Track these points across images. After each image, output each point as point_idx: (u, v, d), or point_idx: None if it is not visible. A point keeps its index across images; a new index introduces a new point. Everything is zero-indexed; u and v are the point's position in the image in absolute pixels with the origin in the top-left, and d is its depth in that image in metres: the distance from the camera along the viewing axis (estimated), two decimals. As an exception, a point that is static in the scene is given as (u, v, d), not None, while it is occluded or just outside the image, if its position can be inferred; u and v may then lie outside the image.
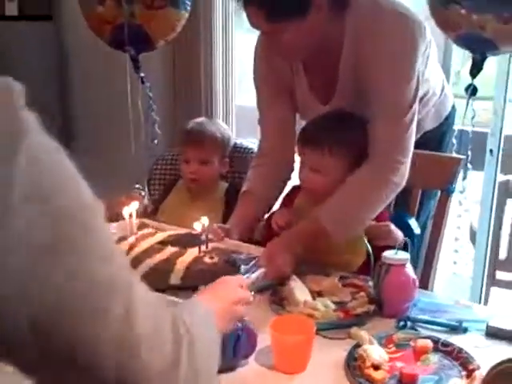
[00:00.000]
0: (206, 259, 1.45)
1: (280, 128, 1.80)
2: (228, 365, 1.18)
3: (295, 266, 1.52)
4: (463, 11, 1.75)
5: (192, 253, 1.47)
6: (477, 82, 1.97)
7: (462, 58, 1.96)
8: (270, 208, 1.86)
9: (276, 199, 1.86)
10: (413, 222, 1.78)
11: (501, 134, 2.58)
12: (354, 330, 1.29)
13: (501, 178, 2.68)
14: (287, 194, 1.83)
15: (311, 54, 1.64)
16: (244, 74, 3.05)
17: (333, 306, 1.40)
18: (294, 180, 1.79)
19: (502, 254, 2.76)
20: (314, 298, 1.43)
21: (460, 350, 1.23)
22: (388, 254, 1.41)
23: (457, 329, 1.34)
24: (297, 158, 1.78)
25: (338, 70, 1.66)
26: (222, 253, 1.48)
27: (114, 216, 1.81)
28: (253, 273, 1.49)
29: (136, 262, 1.44)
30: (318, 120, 1.69)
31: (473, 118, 1.95)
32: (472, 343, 1.29)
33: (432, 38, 1.72)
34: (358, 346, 1.23)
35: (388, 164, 1.59)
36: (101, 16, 2.44)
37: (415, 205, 1.85)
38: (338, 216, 1.58)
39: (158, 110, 2.77)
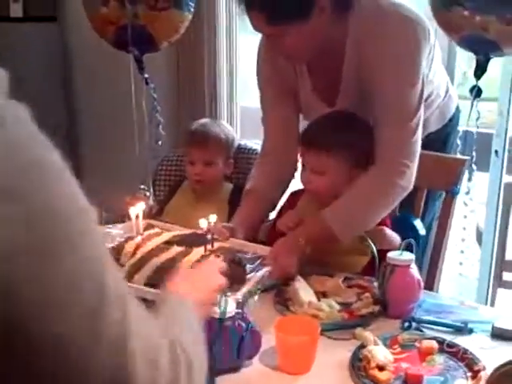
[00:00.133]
0: (212, 258, 1.44)
1: (283, 128, 1.80)
2: (232, 365, 1.18)
3: (300, 266, 1.52)
4: (466, 13, 1.74)
5: (198, 252, 1.47)
6: (482, 83, 1.96)
7: (468, 60, 1.95)
8: (274, 207, 1.85)
9: (279, 198, 1.86)
10: (418, 223, 1.77)
11: (506, 134, 2.58)
12: (358, 330, 1.29)
13: (506, 178, 2.67)
14: (291, 195, 1.83)
15: (315, 56, 1.64)
16: (249, 75, 3.05)
17: (337, 307, 1.40)
18: (298, 181, 1.79)
19: (509, 255, 2.75)
20: (318, 299, 1.42)
21: (465, 351, 1.23)
22: (393, 254, 1.41)
23: (462, 330, 1.33)
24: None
25: (341, 71, 1.66)
26: (227, 252, 1.48)
27: (121, 217, 1.81)
28: (258, 272, 1.49)
29: (142, 262, 1.44)
30: (318, 121, 1.69)
31: (477, 119, 1.94)
32: (477, 344, 1.28)
33: (436, 39, 1.72)
34: (362, 346, 1.23)
35: (394, 168, 1.59)
36: (104, 17, 2.44)
37: (420, 206, 1.84)
38: (345, 218, 1.58)
39: (162, 111, 2.77)
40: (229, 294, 1.19)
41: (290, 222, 1.65)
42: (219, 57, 2.96)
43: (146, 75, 2.61)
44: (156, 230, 1.65)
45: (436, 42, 1.73)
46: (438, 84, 1.84)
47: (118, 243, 1.57)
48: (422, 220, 1.84)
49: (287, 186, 1.87)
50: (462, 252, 2.35)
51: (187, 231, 1.64)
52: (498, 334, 1.32)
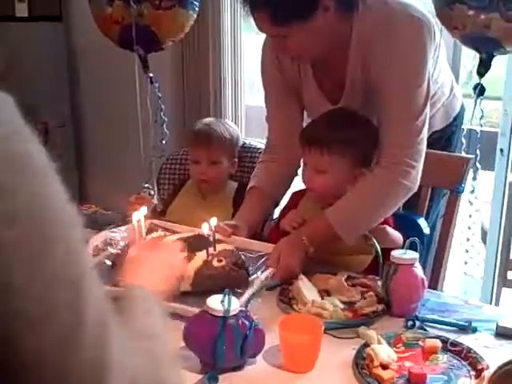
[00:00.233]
0: (215, 263, 1.45)
1: (287, 126, 1.80)
2: (236, 363, 1.18)
3: (303, 266, 1.52)
4: (468, 10, 1.74)
5: (200, 257, 1.47)
6: (487, 82, 1.96)
7: (473, 58, 1.95)
8: (277, 205, 1.85)
9: (282, 196, 1.86)
10: (422, 222, 1.77)
11: (511, 133, 2.57)
12: (362, 329, 1.29)
13: (511, 177, 2.66)
14: (294, 195, 1.83)
15: (320, 55, 1.64)
16: (253, 74, 3.06)
17: (341, 306, 1.40)
18: (300, 180, 1.79)
19: (514, 255, 2.74)
20: (321, 298, 1.43)
21: (469, 350, 1.22)
22: (396, 253, 1.40)
23: (466, 329, 1.33)
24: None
25: (346, 70, 1.66)
26: (230, 255, 1.48)
27: (126, 215, 1.82)
28: (262, 272, 1.49)
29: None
30: (318, 120, 1.69)
31: (481, 117, 1.94)
32: (481, 343, 1.28)
33: (441, 37, 1.72)
34: (366, 345, 1.23)
35: (399, 168, 1.59)
36: (109, 16, 2.45)
37: (424, 204, 1.84)
38: (348, 219, 1.58)
39: (167, 110, 2.78)
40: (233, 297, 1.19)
41: (293, 222, 1.65)
42: (224, 56, 2.97)
43: (151, 74, 2.61)
44: (159, 233, 1.65)
45: (441, 41, 1.73)
46: (442, 82, 1.84)
47: (121, 249, 1.57)
48: (427, 218, 1.83)
49: (290, 185, 1.87)
50: (467, 251, 2.34)
51: (190, 233, 1.64)
52: (503, 333, 1.31)
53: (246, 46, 3.01)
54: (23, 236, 0.53)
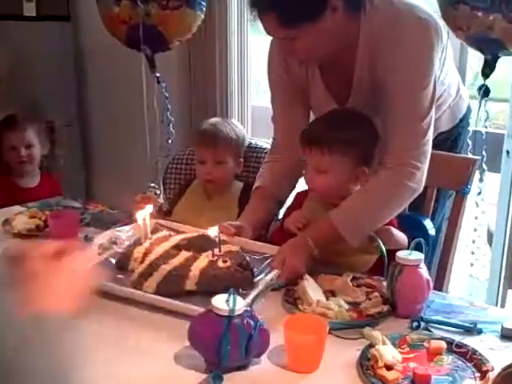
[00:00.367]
0: (220, 263, 1.45)
1: (292, 127, 1.80)
2: (240, 363, 1.18)
3: (308, 267, 1.53)
4: (471, 11, 1.74)
5: (206, 257, 1.48)
6: (494, 83, 1.95)
7: (479, 59, 1.95)
8: (282, 205, 1.86)
9: (287, 197, 1.87)
10: (427, 223, 1.77)
11: (518, 135, 2.56)
12: (367, 330, 1.29)
13: (517, 179, 2.65)
14: (298, 195, 1.83)
15: (328, 57, 1.64)
16: (260, 75, 3.06)
17: (346, 306, 1.40)
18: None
19: (520, 257, 2.73)
20: (326, 298, 1.43)
21: (474, 352, 1.22)
22: (402, 254, 1.41)
23: (471, 330, 1.33)
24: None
25: (353, 70, 1.66)
26: (235, 256, 1.48)
27: (131, 214, 1.82)
28: (267, 274, 1.49)
29: (152, 269, 1.45)
30: (319, 120, 1.70)
31: (486, 119, 1.93)
32: (486, 345, 1.28)
33: (448, 38, 1.72)
34: (371, 346, 1.23)
35: (404, 169, 1.59)
36: (116, 16, 2.46)
37: (430, 205, 1.84)
38: (353, 221, 1.58)
39: (173, 110, 2.78)
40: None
41: (298, 223, 1.65)
42: (230, 56, 2.97)
43: (158, 74, 2.62)
44: (164, 232, 1.66)
45: (448, 42, 1.72)
46: (449, 84, 1.84)
47: (126, 248, 1.58)
48: (432, 220, 1.83)
49: (295, 185, 1.88)
50: (473, 253, 2.34)
51: (195, 233, 1.64)
52: (508, 335, 1.31)
53: (252, 46, 3.01)
54: None
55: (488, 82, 1.95)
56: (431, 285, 1.42)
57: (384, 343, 1.23)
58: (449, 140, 1.92)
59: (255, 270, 1.50)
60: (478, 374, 1.17)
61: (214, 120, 2.20)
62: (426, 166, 1.61)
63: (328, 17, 1.52)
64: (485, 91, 1.92)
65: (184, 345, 1.22)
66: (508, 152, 2.57)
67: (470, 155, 1.95)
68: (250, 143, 2.23)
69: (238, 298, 1.18)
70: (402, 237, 1.62)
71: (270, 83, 1.87)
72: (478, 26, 1.75)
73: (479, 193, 2.06)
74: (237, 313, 1.16)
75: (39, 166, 2.81)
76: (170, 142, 2.72)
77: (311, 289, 1.43)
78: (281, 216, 1.89)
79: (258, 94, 3.27)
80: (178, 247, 1.54)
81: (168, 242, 1.57)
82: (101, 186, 3.75)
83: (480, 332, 1.33)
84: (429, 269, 1.47)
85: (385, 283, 1.46)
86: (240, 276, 1.44)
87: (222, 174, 2.07)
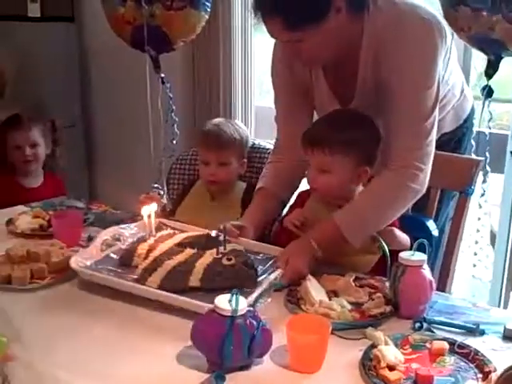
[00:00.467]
0: (224, 261, 1.45)
1: (295, 128, 1.80)
2: (243, 363, 1.19)
3: (311, 268, 1.53)
4: (471, 12, 1.74)
5: (210, 254, 1.48)
6: (498, 84, 1.95)
7: (483, 60, 1.94)
8: (285, 206, 1.86)
9: (290, 196, 1.87)
10: (430, 224, 1.77)
11: (521, 136, 2.55)
12: (369, 330, 1.29)
13: (521, 180, 2.65)
14: (300, 194, 1.83)
15: (332, 58, 1.64)
16: (263, 75, 3.06)
17: (349, 307, 1.40)
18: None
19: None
20: (329, 298, 1.43)
21: (476, 353, 1.22)
22: (405, 254, 1.41)
23: (473, 331, 1.33)
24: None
25: (357, 71, 1.66)
26: (239, 254, 1.49)
27: (135, 214, 1.83)
28: (270, 273, 1.50)
29: (156, 264, 1.45)
30: (321, 120, 1.71)
31: (490, 119, 1.93)
32: (489, 346, 1.28)
33: (453, 39, 1.72)
34: (373, 346, 1.23)
35: (408, 171, 1.59)
36: (121, 16, 2.47)
37: (433, 206, 1.84)
38: (356, 223, 1.59)
39: (177, 110, 2.79)
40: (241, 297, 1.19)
41: (296, 221, 1.66)
42: (234, 56, 2.98)
43: (162, 74, 2.63)
44: (168, 230, 1.66)
45: (453, 42, 1.72)
46: (453, 84, 1.84)
47: (130, 245, 1.59)
48: (436, 220, 1.83)
49: (298, 185, 1.88)
50: (476, 254, 2.34)
51: (199, 232, 1.65)
52: (510, 336, 1.31)
53: (256, 46, 3.01)
54: None
55: (492, 83, 1.95)
56: (434, 285, 1.42)
57: (386, 344, 1.23)
58: (452, 141, 1.92)
59: (259, 269, 1.51)
60: (480, 375, 1.17)
61: (217, 120, 2.20)
62: (429, 168, 1.61)
63: (332, 18, 1.52)
64: (488, 92, 1.91)
65: (186, 344, 1.22)
66: (512, 153, 2.57)
67: (473, 156, 1.94)
68: (254, 144, 2.23)
69: (241, 298, 1.18)
70: (404, 238, 1.62)
71: (274, 84, 1.87)
72: (479, 27, 1.75)
73: (482, 194, 2.05)
74: (240, 313, 1.16)
75: (42, 166, 2.82)
76: (174, 142, 2.72)
77: (314, 289, 1.43)
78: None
79: (261, 94, 3.28)
80: (182, 245, 1.55)
81: (172, 240, 1.58)
82: (104, 186, 3.77)
83: (482, 333, 1.33)
84: (432, 269, 1.47)
85: (387, 284, 1.46)
86: (244, 274, 1.44)
87: (226, 175, 2.07)
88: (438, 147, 1.66)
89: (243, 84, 3.04)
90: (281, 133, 1.89)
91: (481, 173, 1.91)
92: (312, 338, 1.20)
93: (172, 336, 1.28)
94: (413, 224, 1.69)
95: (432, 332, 1.32)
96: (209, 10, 2.51)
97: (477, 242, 2.43)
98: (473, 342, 1.28)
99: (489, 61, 1.88)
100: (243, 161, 2.13)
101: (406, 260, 1.39)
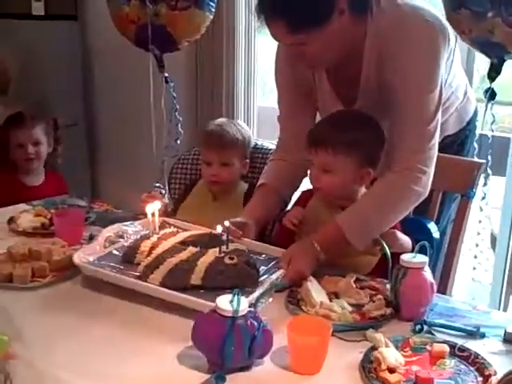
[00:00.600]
0: (226, 260, 1.46)
1: (298, 128, 1.81)
2: (243, 364, 1.19)
3: (313, 270, 1.53)
4: (471, 15, 1.74)
5: (213, 253, 1.48)
6: (500, 87, 1.95)
7: (486, 62, 1.94)
8: (285, 203, 1.86)
9: (290, 194, 1.87)
10: (432, 226, 1.77)
11: (524, 139, 2.55)
12: (369, 332, 1.29)
13: (523, 183, 2.65)
14: (303, 193, 1.84)
15: (336, 59, 1.64)
16: (267, 76, 3.06)
17: (349, 308, 1.40)
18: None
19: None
20: (330, 300, 1.43)
21: (477, 356, 1.22)
22: (406, 257, 1.41)
23: (474, 334, 1.33)
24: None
25: (360, 72, 1.66)
26: (242, 254, 1.49)
27: (137, 214, 1.83)
28: (272, 274, 1.50)
29: (158, 262, 1.46)
30: (325, 121, 1.72)
31: (492, 122, 1.93)
32: (489, 349, 1.28)
33: (456, 42, 1.72)
34: (373, 348, 1.23)
35: (412, 174, 1.59)
36: (126, 15, 2.47)
37: (435, 208, 1.84)
38: (359, 225, 1.59)
39: (180, 110, 2.79)
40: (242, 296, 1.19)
41: (294, 219, 1.66)
42: (237, 57, 2.98)
43: (166, 74, 2.63)
44: (172, 229, 1.67)
45: (456, 45, 1.72)
46: (456, 86, 1.84)
47: (133, 242, 1.59)
48: (437, 223, 1.83)
49: (299, 185, 1.88)
50: (476, 257, 2.34)
51: (202, 231, 1.65)
52: (511, 339, 1.31)
53: (259, 47, 3.01)
54: None
55: (494, 85, 1.95)
56: (435, 288, 1.42)
57: (387, 346, 1.23)
58: (455, 143, 1.92)
59: (261, 269, 1.51)
60: (480, 379, 1.17)
61: (219, 121, 2.20)
62: (432, 170, 1.62)
63: (335, 20, 1.52)
64: (491, 94, 1.91)
65: (187, 345, 1.22)
66: (514, 156, 2.57)
67: (475, 159, 1.94)
68: (256, 144, 2.23)
69: (242, 299, 1.18)
70: (406, 240, 1.63)
71: (277, 84, 1.87)
72: (479, 30, 1.75)
73: (483, 197, 2.05)
74: (240, 313, 1.16)
75: (43, 164, 2.82)
76: (178, 142, 2.72)
77: (315, 290, 1.43)
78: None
79: (264, 94, 3.28)
80: (184, 243, 1.55)
81: (175, 238, 1.59)
82: (107, 185, 3.77)
83: (483, 336, 1.33)
84: (433, 272, 1.47)
85: (388, 286, 1.46)
86: (246, 273, 1.45)
87: (228, 175, 2.07)
88: (440, 150, 1.66)
89: (246, 84, 3.04)
90: (283, 132, 1.90)
91: (482, 175, 1.91)
92: (312, 340, 1.20)
93: (173, 336, 1.28)
94: (414, 226, 1.69)
95: (432, 334, 1.32)
96: (213, 10, 2.51)
97: (477, 245, 2.43)
98: (473, 345, 1.28)
99: (492, 63, 1.88)
100: (245, 161, 2.13)
101: (408, 262, 1.39)
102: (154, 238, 1.57)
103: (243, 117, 3.05)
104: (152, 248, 1.53)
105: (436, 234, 1.76)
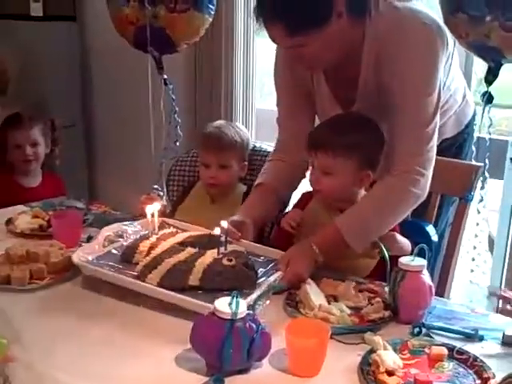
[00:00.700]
0: (225, 261, 1.46)
1: (297, 129, 1.81)
2: (242, 367, 1.19)
3: (312, 272, 1.53)
4: (468, 19, 1.74)
5: (211, 254, 1.49)
6: (497, 90, 1.95)
7: (484, 66, 1.95)
8: (282, 204, 1.86)
9: (288, 195, 1.88)
10: (430, 229, 1.78)
11: (522, 142, 2.56)
12: (368, 335, 1.29)
13: (520, 186, 2.65)
14: (303, 195, 1.84)
15: (334, 61, 1.64)
16: (265, 78, 3.06)
17: (348, 311, 1.40)
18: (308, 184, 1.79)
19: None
20: (328, 302, 1.43)
21: (475, 359, 1.22)
22: (405, 259, 1.41)
23: (472, 337, 1.33)
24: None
25: (358, 75, 1.66)
26: (240, 255, 1.49)
27: (135, 215, 1.83)
28: (270, 276, 1.50)
29: (156, 262, 1.46)
30: (325, 123, 1.72)
31: (490, 125, 1.93)
32: (488, 352, 1.28)
33: (455, 45, 1.72)
34: (372, 351, 1.23)
35: (410, 176, 1.60)
36: (125, 17, 2.47)
37: (433, 211, 1.84)
38: (358, 228, 1.59)
39: (178, 112, 2.79)
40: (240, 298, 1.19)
41: (292, 221, 1.66)
42: (236, 59, 2.98)
43: (165, 76, 2.62)
44: (171, 229, 1.67)
45: (455, 48, 1.73)
46: (455, 89, 1.85)
47: (132, 242, 1.59)
48: (435, 226, 1.84)
49: (297, 186, 1.88)
50: (473, 259, 2.34)
51: (201, 232, 1.65)
52: (509, 342, 1.31)
53: (257, 49, 3.02)
54: None
55: (492, 89, 1.95)
56: (433, 291, 1.42)
57: (385, 349, 1.23)
58: (454, 146, 1.93)
59: (260, 271, 1.51)
60: (478, 381, 1.17)
61: (218, 123, 2.20)
62: (430, 173, 1.62)
63: (333, 23, 1.52)
64: (488, 98, 1.92)
65: (185, 347, 1.22)
66: (512, 159, 2.58)
67: (473, 162, 1.95)
68: (255, 146, 2.23)
69: (241, 301, 1.18)
70: (405, 243, 1.63)
71: (276, 86, 1.88)
72: (476, 34, 1.75)
73: (481, 200, 2.06)
74: (239, 316, 1.16)
75: (41, 166, 2.82)
76: (177, 144, 2.72)
77: (313, 293, 1.44)
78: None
79: (262, 96, 3.28)
80: (183, 244, 1.56)
81: (174, 238, 1.59)
82: (105, 186, 3.76)
83: (481, 339, 1.33)
84: (431, 275, 1.47)
85: (387, 289, 1.46)
86: (244, 275, 1.45)
87: (227, 177, 2.07)
88: (439, 153, 1.67)
89: (245, 86, 3.04)
90: (282, 134, 1.90)
91: (480, 178, 1.91)
92: (311, 342, 1.20)
93: (171, 338, 1.28)
94: (413, 229, 1.69)
95: (431, 337, 1.32)
96: (212, 12, 2.50)
97: (475, 248, 2.44)
98: (472, 347, 1.28)
99: (489, 67, 1.88)
100: (244, 163, 2.13)
101: (406, 265, 1.39)
102: (153, 239, 1.57)
103: (242, 119, 3.05)
104: (151, 248, 1.53)
105: (434, 237, 1.77)
